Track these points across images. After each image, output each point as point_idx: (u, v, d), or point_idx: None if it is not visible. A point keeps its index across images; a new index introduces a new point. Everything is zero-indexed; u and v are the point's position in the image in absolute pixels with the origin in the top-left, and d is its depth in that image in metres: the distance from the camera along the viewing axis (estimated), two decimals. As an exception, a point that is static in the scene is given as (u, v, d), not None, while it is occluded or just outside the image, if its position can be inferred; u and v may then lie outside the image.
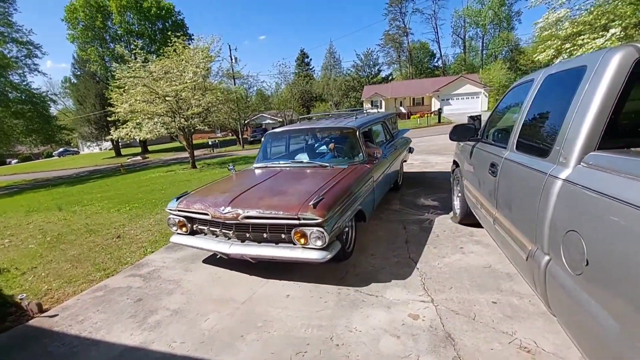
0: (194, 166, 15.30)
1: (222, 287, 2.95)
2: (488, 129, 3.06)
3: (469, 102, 36.23)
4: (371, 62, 55.48)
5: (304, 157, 4.50)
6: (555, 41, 12.21)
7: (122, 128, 13.84)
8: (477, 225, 3.81)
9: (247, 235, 2.94)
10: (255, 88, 32.38)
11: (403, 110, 41.71)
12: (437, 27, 60.88)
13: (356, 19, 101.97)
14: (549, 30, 11.89)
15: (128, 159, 29.52)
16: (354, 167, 3.75)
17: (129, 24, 30.66)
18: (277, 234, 2.83)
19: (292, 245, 2.78)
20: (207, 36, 14.43)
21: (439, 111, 26.85)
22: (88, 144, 38.72)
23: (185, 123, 13.77)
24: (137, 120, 13.56)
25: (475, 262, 3.01)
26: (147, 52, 13.59)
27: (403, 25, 59.10)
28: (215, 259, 3.60)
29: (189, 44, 14.57)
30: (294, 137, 5.26)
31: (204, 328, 2.38)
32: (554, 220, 1.55)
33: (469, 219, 3.78)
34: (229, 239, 3.03)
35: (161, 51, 13.40)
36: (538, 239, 1.69)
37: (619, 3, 10.57)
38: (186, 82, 12.85)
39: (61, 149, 50.04)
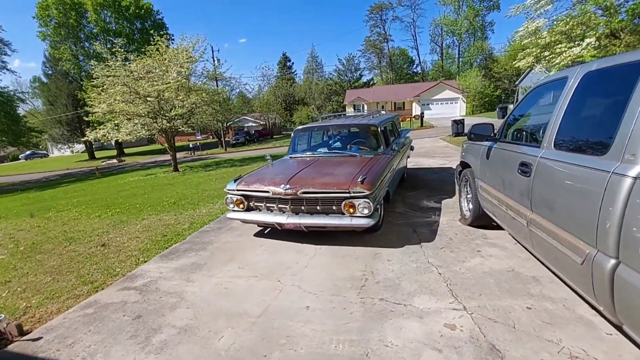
0: (176, 169, 14.71)
1: (231, 300, 2.69)
2: (507, 129, 2.99)
3: (448, 107, 37.25)
4: (353, 67, 56.06)
5: (333, 149, 5.15)
6: (534, 49, 12.67)
7: (99, 129, 13.08)
8: (489, 227, 3.75)
9: (302, 208, 3.50)
10: (237, 90, 31.71)
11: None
12: (415, 35, 62.70)
13: (338, 24, 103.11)
14: (529, 39, 12.33)
15: (103, 162, 28.14)
16: (378, 157, 4.35)
17: (105, 22, 29.31)
18: (329, 206, 3.40)
19: (341, 215, 3.35)
20: (191, 36, 13.92)
21: (422, 115, 27.32)
22: (59, 146, 36.56)
23: (168, 124, 13.20)
24: (116, 121, 12.87)
25: (498, 266, 2.90)
26: (125, 52, 12.88)
27: (383, 31, 60.26)
28: (220, 270, 3.32)
29: (170, 44, 13.98)
30: (320, 133, 6.01)
31: (220, 348, 2.11)
32: (626, 221, 1.44)
33: (480, 221, 3.71)
34: (284, 212, 3.58)
35: (143, 50, 12.81)
36: (600, 242, 1.58)
37: (592, 15, 11.12)
38: (169, 82, 12.34)
39: (28, 152, 47.03)
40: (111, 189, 11.05)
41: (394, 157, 4.63)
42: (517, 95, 45.31)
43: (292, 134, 5.59)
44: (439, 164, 8.60)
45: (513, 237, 2.93)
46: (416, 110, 37.95)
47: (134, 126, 13.01)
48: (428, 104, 37.93)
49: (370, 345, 2.03)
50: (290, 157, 5.02)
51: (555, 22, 11.42)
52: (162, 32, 14.08)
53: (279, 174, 3.90)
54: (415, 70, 63.04)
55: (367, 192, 3.20)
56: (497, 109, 25.06)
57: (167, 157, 30.29)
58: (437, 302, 2.42)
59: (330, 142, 5.62)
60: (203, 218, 5.25)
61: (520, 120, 2.85)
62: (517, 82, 45.88)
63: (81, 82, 29.30)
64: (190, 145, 28.32)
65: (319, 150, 5.18)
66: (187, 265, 3.47)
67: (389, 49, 60.60)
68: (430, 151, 11.68)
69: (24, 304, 3.04)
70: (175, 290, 2.94)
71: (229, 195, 3.94)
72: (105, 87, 11.89)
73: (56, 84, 30.47)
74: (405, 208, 4.84)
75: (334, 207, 3.36)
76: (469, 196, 3.96)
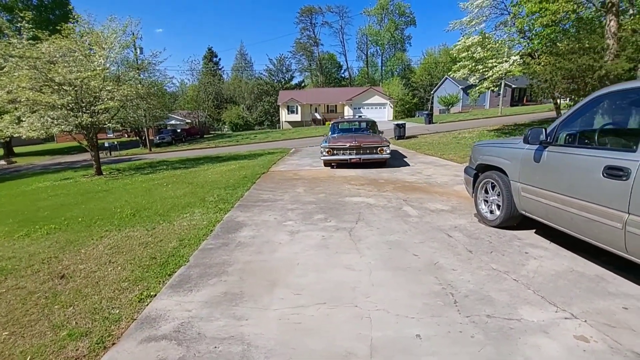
0: (99, 172, 12.42)
1: (317, 339, 2.16)
2: (559, 133, 3.07)
3: (378, 111, 39.67)
4: (284, 68, 55.69)
5: (357, 131, 10.64)
6: (467, 62, 14.22)
7: (-7, 122, 10.23)
8: (510, 228, 3.89)
9: (360, 152, 8.54)
10: (163, 84, 28.31)
11: (318, 116, 42.99)
12: (343, 41, 65.47)
13: (267, 25, 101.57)
14: (466, 53, 13.78)
15: (-19, 164, 22.26)
16: (379, 134, 9.92)
17: (-15, -10, 23.14)
18: (372, 149, 8.57)
19: (377, 153, 8.54)
20: (122, 17, 11.83)
21: (360, 117, 28.44)
22: None
23: (90, 119, 11.00)
24: (17, 113, 10.21)
25: (557, 267, 2.97)
26: (32, 29, 10.30)
27: (313, 35, 61.37)
28: (270, 299, 2.71)
29: (84, 26, 11.60)
30: (348, 122, 12.00)
31: (358, 408, 1.63)
32: None
33: (509, 222, 3.83)
34: (351, 154, 8.56)
35: (58, 27, 10.42)
36: None
37: (515, 38, 12.98)
38: (95, 69, 10.31)
39: None
40: (20, 197, 8.68)
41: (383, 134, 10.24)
42: (432, 103, 50.88)
43: (330, 124, 11.19)
44: (410, 168, 8.91)
45: (577, 238, 3.01)
46: (348, 113, 39.47)
47: (43, 120, 10.53)
48: (359, 108, 39.81)
49: (528, 374, 1.80)
50: (337, 134, 10.15)
51: (486, 40, 12.96)
52: (68, 12, 11.60)
53: (346, 139, 8.99)
54: (343, 74, 65.72)
55: (389, 144, 8.62)
56: (425, 115, 27.68)
57: (74, 157, 25.57)
58: (543, 312, 2.32)
59: (353, 127, 11.16)
60: (191, 233, 4.37)
61: (585, 125, 2.96)
62: (432, 92, 51.53)
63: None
64: (106, 145, 24.39)
65: (350, 131, 10.71)
66: (219, 296, 2.75)
67: (318, 52, 61.99)
68: (387, 153, 12.07)
69: (-20, 383, 2.00)
70: (230, 333, 2.26)
71: (322, 148, 8.88)
72: (5, 70, 9.30)
73: None
74: (418, 211, 4.78)
75: (374, 150, 8.50)
76: (492, 198, 4.05)
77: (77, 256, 3.90)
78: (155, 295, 2.82)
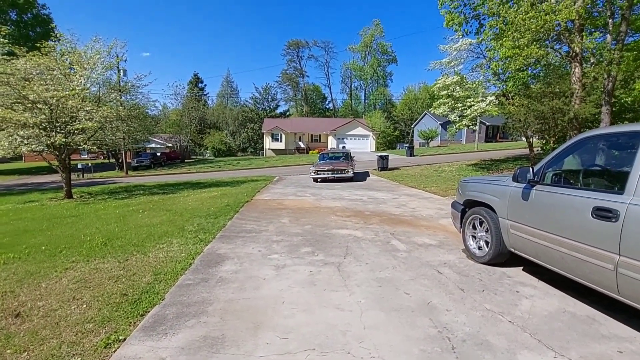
0: (69, 196, 11.77)
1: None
2: (546, 172, 3.14)
3: (361, 142, 40.62)
4: (269, 97, 56.69)
5: (336, 158, 15.78)
6: (447, 100, 14.97)
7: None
8: (498, 264, 3.87)
9: (334, 171, 13.54)
10: (148, 108, 28.01)
11: (302, 145, 43.40)
12: (328, 74, 67.77)
13: (255, 52, 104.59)
14: (445, 91, 14.55)
15: None
16: (351, 160, 15.12)
17: (-39, 4, 22.69)
18: (342, 170, 13.51)
19: (345, 173, 13.41)
20: (107, 38, 11.79)
21: (343, 149, 28.91)
22: None
23: (64, 140, 10.55)
24: (-14, 131, 9.66)
25: (550, 307, 2.92)
26: (9, 44, 10.08)
27: (299, 67, 63.45)
28: (254, 344, 2.48)
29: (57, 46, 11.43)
30: (331, 153, 17.49)
31: None
32: None
33: (498, 259, 3.80)
34: (329, 173, 13.52)
35: (38, 45, 10.20)
36: None
37: (491, 79, 13.86)
38: (75, 89, 10.05)
39: None
40: (-27, 222, 7.95)
41: (354, 161, 15.36)
42: (412, 136, 52.78)
43: (319, 154, 17.58)
44: (391, 198, 8.96)
45: (567, 277, 3.00)
46: (332, 143, 40.15)
47: (12, 138, 10.00)
48: (343, 139, 40.64)
49: None
50: (322, 160, 15.38)
51: (464, 80, 13.76)
52: (50, 31, 11.50)
53: (326, 164, 14.18)
54: (327, 106, 67.56)
55: (353, 168, 13.86)
56: (406, 148, 28.53)
57: (43, 178, 24.25)
58: (543, 358, 2.23)
59: (334, 156, 16.14)
60: (168, 266, 4.07)
61: (571, 165, 3.04)
62: (412, 126, 53.59)
63: None
64: (79, 166, 23.35)
65: (331, 158, 15.79)
66: (198, 340, 2.49)
67: (304, 83, 63.83)
68: (370, 185, 12.21)
69: None
70: (209, 386, 2.01)
71: (311, 170, 13.82)
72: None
73: None
74: (406, 245, 4.71)
75: (343, 171, 13.35)
76: (480, 234, 4.04)
77: (37, 291, 3.52)
78: (125, 339, 2.52)
